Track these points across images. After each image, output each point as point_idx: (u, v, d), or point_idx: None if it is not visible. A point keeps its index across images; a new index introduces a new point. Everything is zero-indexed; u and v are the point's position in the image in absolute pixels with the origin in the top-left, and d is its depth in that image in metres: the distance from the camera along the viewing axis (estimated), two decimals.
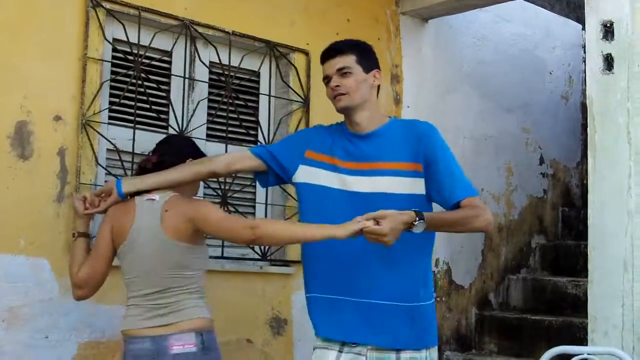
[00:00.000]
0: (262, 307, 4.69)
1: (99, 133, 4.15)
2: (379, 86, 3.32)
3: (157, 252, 3.20)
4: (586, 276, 4.36)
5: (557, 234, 6.93)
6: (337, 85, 3.18)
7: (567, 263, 6.42)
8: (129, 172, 4.23)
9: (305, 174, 3.26)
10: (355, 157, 3.20)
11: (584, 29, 6.09)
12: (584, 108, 6.95)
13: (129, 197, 3.31)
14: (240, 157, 3.41)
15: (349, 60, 3.20)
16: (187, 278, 3.26)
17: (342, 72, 3.19)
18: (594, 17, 4.42)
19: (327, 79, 3.24)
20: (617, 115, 4.26)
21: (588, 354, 3.49)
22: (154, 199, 3.26)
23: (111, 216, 3.32)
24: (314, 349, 3.23)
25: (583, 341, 4.78)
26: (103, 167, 4.18)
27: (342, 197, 3.16)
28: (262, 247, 4.74)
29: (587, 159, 4.42)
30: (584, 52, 6.29)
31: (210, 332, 3.24)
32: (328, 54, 3.25)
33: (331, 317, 3.16)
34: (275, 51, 4.91)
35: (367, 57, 3.28)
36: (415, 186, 3.14)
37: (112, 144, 4.22)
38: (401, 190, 3.13)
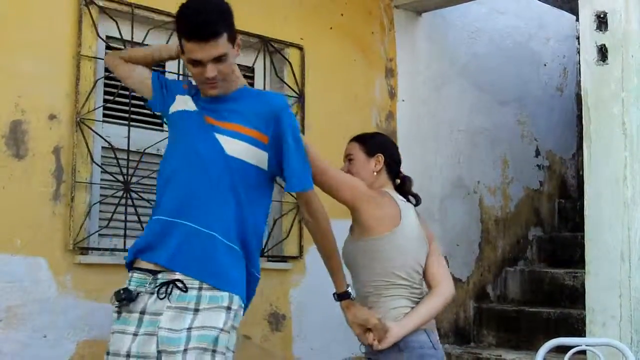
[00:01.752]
0: (260, 303, 4.68)
1: (93, 131, 4.14)
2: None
3: (419, 253, 3.45)
4: (583, 268, 4.36)
5: (553, 225, 6.93)
6: (214, 76, 2.92)
7: (564, 255, 6.43)
8: (124, 170, 4.22)
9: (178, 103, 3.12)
10: (208, 111, 3.03)
11: (577, 20, 6.09)
12: (578, 99, 6.96)
13: None
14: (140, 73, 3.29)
15: (224, 44, 2.89)
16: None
17: (219, 59, 2.90)
18: (588, 8, 4.41)
19: (195, 62, 2.91)
20: (612, 106, 4.26)
21: (586, 345, 3.49)
22: (409, 202, 3.49)
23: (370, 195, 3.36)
24: None
25: (581, 333, 4.79)
26: (98, 165, 4.17)
27: (196, 124, 3.03)
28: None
29: (582, 150, 4.41)
30: (578, 44, 6.28)
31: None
32: (201, 34, 2.85)
33: None
34: (270, 46, 4.90)
35: (232, 27, 2.97)
36: (258, 156, 2.99)
37: (107, 141, 4.21)
38: (244, 157, 2.97)
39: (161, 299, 2.87)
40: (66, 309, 3.94)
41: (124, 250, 4.17)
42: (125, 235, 4.19)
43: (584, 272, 4.34)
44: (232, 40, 2.94)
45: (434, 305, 3.32)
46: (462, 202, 6.03)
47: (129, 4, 4.30)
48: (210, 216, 2.92)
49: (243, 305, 2.97)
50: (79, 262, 3.98)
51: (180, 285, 2.86)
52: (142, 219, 4.27)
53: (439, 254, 3.52)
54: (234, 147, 2.95)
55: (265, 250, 4.77)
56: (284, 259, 4.82)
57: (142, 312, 2.91)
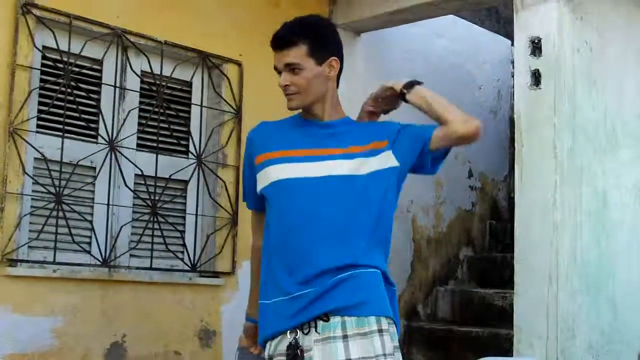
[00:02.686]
0: (191, 318, 4.66)
1: (26, 142, 4.08)
2: (340, 74, 2.96)
3: None
4: (512, 288, 4.42)
5: (484, 246, 7.02)
6: (287, 85, 2.85)
7: (494, 275, 6.51)
8: (56, 182, 4.17)
9: (260, 179, 2.91)
10: (311, 143, 2.89)
11: (513, 44, 6.20)
12: (512, 122, 7.05)
13: None
14: (259, 223, 3.01)
15: (299, 55, 2.81)
16: None
17: (291, 69, 2.83)
18: (523, 33, 4.50)
19: (277, 70, 2.91)
20: (544, 129, 4.34)
21: None
22: None
23: None
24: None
25: (509, 352, 4.84)
26: (30, 177, 4.12)
27: (303, 185, 2.83)
28: (192, 259, 4.71)
29: (514, 172, 4.49)
30: (513, 68, 6.38)
31: None
32: (277, 43, 2.87)
33: None
34: (208, 61, 4.89)
35: (322, 45, 2.86)
36: (374, 164, 2.92)
37: (40, 153, 4.16)
38: (358, 172, 2.87)
39: None
40: None
41: (54, 262, 4.12)
42: (55, 248, 4.13)
43: (513, 293, 4.40)
44: (315, 56, 2.84)
45: None
46: (395, 221, 6.04)
47: (67, 15, 4.26)
48: None
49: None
50: (7, 274, 3.92)
51: None
52: (74, 231, 4.22)
53: None
54: None
55: (198, 265, 4.74)
56: (216, 274, 4.80)
57: None
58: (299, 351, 2.66)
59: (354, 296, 2.71)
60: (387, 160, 2.94)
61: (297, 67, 2.82)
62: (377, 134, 2.98)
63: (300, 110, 2.98)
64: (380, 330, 2.72)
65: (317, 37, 2.86)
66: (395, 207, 3.09)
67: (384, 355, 2.69)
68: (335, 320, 2.67)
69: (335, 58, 2.89)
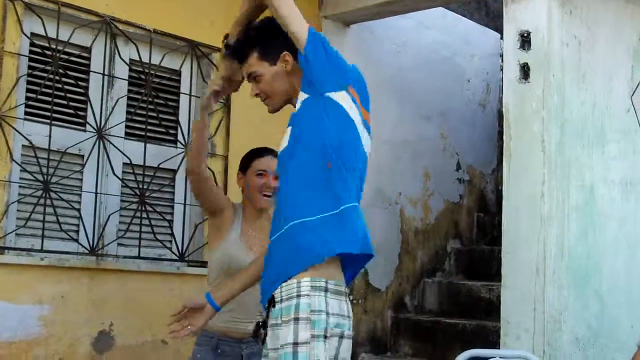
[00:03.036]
0: (179, 308, 4.64)
1: (14, 129, 4.07)
2: (302, 60, 2.79)
3: None
4: (500, 281, 4.43)
5: (472, 239, 7.03)
6: (256, 94, 2.94)
7: (482, 268, 6.52)
8: (44, 169, 4.16)
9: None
10: None
11: (502, 38, 6.20)
12: (500, 116, 7.06)
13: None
14: None
15: (252, 63, 2.90)
16: None
17: (253, 78, 2.92)
18: (512, 27, 4.51)
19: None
20: (532, 123, 4.35)
21: (500, 357, 3.55)
22: None
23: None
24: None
25: (496, 344, 4.86)
26: (18, 164, 4.10)
27: None
28: (180, 248, 4.71)
29: (502, 165, 4.49)
30: (502, 61, 6.40)
31: None
32: (235, 59, 3.01)
33: None
34: (197, 50, 4.88)
35: (269, 45, 2.90)
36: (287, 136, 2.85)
37: (27, 140, 4.14)
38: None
39: None
40: None
41: (42, 250, 4.11)
42: (43, 236, 4.12)
43: (500, 285, 4.41)
44: (266, 58, 2.88)
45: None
46: (383, 212, 6.08)
47: (56, 2, 4.23)
48: None
49: None
50: None
51: None
52: (61, 219, 4.21)
53: None
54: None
55: (186, 255, 4.74)
56: (204, 264, 4.79)
57: None
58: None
59: None
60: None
61: (255, 74, 2.90)
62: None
63: None
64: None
65: (262, 40, 2.91)
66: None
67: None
68: None
69: (287, 52, 2.86)
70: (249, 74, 2.92)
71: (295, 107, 2.85)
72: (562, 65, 4.44)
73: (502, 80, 4.78)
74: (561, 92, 4.41)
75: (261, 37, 2.92)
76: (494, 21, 7.48)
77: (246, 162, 3.67)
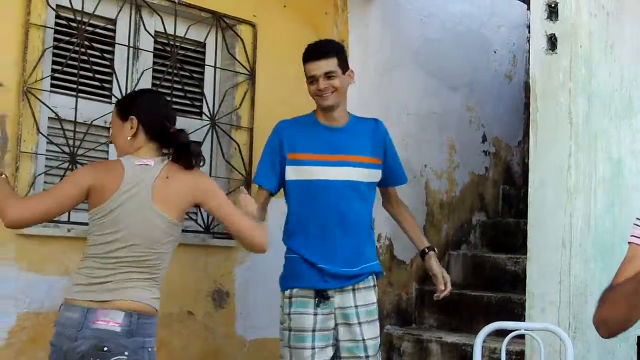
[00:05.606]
0: (204, 279, 4.68)
1: (40, 101, 4.09)
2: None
3: (142, 223, 3.14)
4: (525, 253, 4.41)
5: (497, 211, 7.01)
6: (326, 87, 3.79)
7: (507, 240, 6.50)
8: (70, 141, 4.18)
9: (292, 173, 3.91)
10: (329, 149, 3.87)
11: (528, 8, 6.14)
12: (527, 87, 7.02)
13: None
14: (263, 200, 3.97)
15: (332, 64, 3.80)
16: (158, 257, 3.21)
17: (328, 76, 3.79)
18: None
19: (312, 79, 3.82)
20: (559, 95, 4.31)
21: (525, 329, 3.54)
22: (148, 165, 3.19)
23: (91, 173, 3.18)
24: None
25: (520, 317, 4.85)
26: (44, 136, 4.12)
27: (322, 186, 3.85)
28: (205, 220, 4.72)
29: (528, 137, 4.46)
30: (529, 32, 6.34)
31: (143, 317, 3.12)
32: (313, 55, 3.82)
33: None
34: (222, 22, 4.87)
35: (344, 59, 3.89)
36: (372, 175, 4.00)
37: (53, 112, 4.16)
38: (363, 179, 3.93)
39: None
40: (7, 280, 3.89)
41: (68, 222, 4.14)
42: None
43: (526, 258, 4.40)
44: (341, 67, 3.86)
45: None
46: (408, 185, 6.00)
47: None
48: None
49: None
50: (21, 232, 3.92)
51: None
52: None
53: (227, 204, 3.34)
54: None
55: (211, 227, 4.75)
56: (229, 236, 4.81)
57: None
58: None
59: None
60: (377, 174, 4.07)
61: (333, 74, 3.82)
62: (373, 148, 4.06)
63: (313, 112, 3.99)
64: None
65: (341, 52, 3.92)
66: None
67: None
68: None
69: (352, 71, 3.94)
70: (327, 71, 3.79)
71: (339, 115, 3.97)
72: (589, 36, 4.39)
73: (529, 52, 4.74)
74: (588, 63, 4.36)
75: (341, 51, 3.94)
76: None
77: None
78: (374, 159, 4.00)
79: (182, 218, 3.26)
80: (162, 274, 3.24)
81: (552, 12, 4.38)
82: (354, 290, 3.91)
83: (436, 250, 4.30)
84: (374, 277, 4.04)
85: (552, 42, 4.36)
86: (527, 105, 6.86)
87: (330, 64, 3.81)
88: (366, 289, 3.97)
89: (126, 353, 3.02)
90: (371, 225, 4.13)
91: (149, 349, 3.11)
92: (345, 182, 3.88)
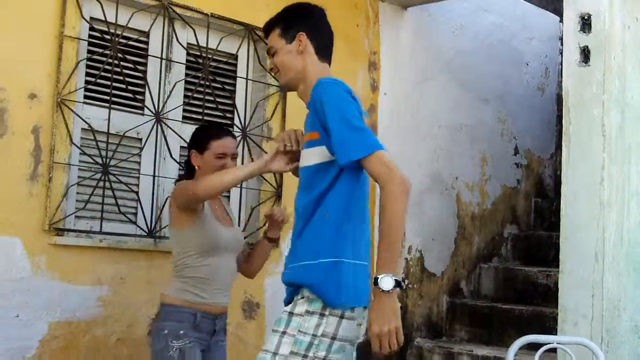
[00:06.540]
0: (235, 290, 4.66)
1: (74, 112, 4.12)
2: (316, 45, 3.07)
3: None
4: (557, 266, 4.39)
5: (529, 224, 6.97)
6: (271, 68, 3.16)
7: (539, 253, 6.47)
8: (103, 152, 4.21)
9: None
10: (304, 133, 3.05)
11: (561, 21, 6.12)
12: (559, 100, 6.99)
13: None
14: None
15: (273, 39, 3.11)
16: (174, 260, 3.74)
17: (271, 53, 3.12)
18: (572, 9, 4.43)
19: None
20: (592, 107, 4.29)
21: (557, 343, 3.52)
22: None
23: None
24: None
25: (552, 331, 4.82)
26: (77, 147, 4.16)
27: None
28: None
29: (561, 150, 4.44)
30: (561, 44, 6.31)
31: (165, 306, 3.65)
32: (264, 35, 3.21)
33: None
34: (254, 34, 4.89)
35: (289, 24, 3.10)
36: (311, 156, 2.93)
37: (87, 123, 4.19)
38: (304, 163, 2.98)
39: None
40: (40, 289, 3.92)
41: (100, 232, 4.17)
42: (102, 218, 4.18)
43: (558, 271, 4.37)
44: (285, 36, 3.09)
45: None
46: (439, 197, 6.05)
47: None
48: None
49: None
50: (54, 243, 3.97)
51: None
52: (120, 202, 4.26)
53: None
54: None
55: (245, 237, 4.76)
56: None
57: None
58: None
59: None
60: (317, 152, 2.93)
61: (273, 49, 3.11)
62: (312, 120, 2.95)
63: None
64: None
65: (286, 19, 3.13)
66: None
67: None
68: None
69: (302, 32, 3.07)
70: (268, 49, 3.13)
71: (302, 94, 3.05)
72: (623, 48, 4.36)
73: (562, 64, 4.72)
74: (622, 75, 4.34)
75: (285, 16, 3.14)
76: (552, 3, 7.38)
77: (203, 142, 3.74)
78: (312, 133, 2.93)
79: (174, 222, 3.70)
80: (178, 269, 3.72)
81: (585, 25, 4.37)
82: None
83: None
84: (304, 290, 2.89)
85: (585, 54, 4.34)
86: (559, 118, 6.83)
87: (271, 39, 3.12)
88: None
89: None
90: (317, 216, 2.90)
91: (163, 332, 3.59)
92: (301, 170, 3.02)
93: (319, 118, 2.85)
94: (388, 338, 2.68)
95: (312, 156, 2.92)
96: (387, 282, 2.66)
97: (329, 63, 3.15)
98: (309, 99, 2.95)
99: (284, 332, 2.83)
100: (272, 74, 3.25)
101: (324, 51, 3.12)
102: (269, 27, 3.14)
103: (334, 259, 2.83)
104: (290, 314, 2.87)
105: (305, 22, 3.11)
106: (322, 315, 2.81)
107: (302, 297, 2.86)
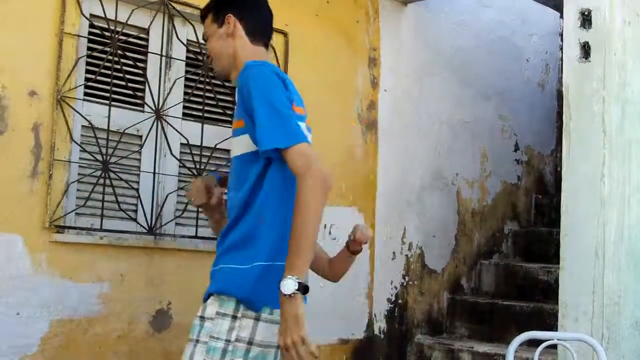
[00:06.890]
0: None
1: (74, 109, 4.12)
2: (247, 27, 2.93)
3: None
4: (558, 263, 4.39)
5: (529, 220, 6.97)
6: (208, 56, 3.04)
7: (539, 250, 6.47)
8: (103, 149, 4.21)
9: None
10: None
11: (561, 17, 6.11)
12: (560, 96, 6.99)
13: None
14: None
15: (206, 25, 2.98)
16: None
17: (205, 40, 3.01)
18: (572, 5, 4.43)
19: None
20: (593, 103, 4.29)
21: (558, 339, 3.52)
22: None
23: None
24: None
25: (553, 327, 4.82)
26: (77, 144, 4.15)
27: None
28: None
29: (561, 146, 4.43)
30: (561, 40, 6.30)
31: None
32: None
33: None
34: None
35: (220, 8, 2.95)
36: (239, 145, 2.76)
37: (87, 120, 4.19)
38: (233, 154, 2.82)
39: None
40: (41, 287, 3.92)
41: (101, 229, 4.16)
42: (102, 215, 4.18)
43: (558, 268, 4.37)
44: (216, 19, 2.96)
45: None
46: (440, 193, 6.05)
47: None
48: None
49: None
50: (55, 240, 3.97)
51: None
52: (120, 199, 4.26)
53: None
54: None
55: None
56: None
57: None
58: None
59: None
60: (244, 142, 2.74)
61: (206, 36, 3.00)
62: (239, 107, 2.76)
63: None
64: None
65: (218, 2, 3.00)
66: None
67: None
68: None
69: (230, 14, 2.92)
70: (202, 34, 3.03)
71: (235, 81, 2.83)
72: (623, 44, 4.36)
73: (562, 60, 4.72)
74: (622, 71, 4.33)
75: (216, 1, 3.01)
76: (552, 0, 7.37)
77: None
78: (238, 122, 2.75)
79: None
80: None
81: (586, 20, 4.36)
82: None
83: None
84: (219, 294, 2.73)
85: (586, 50, 4.34)
86: (559, 114, 6.83)
87: (205, 25, 3.00)
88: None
89: None
90: (248, 212, 2.74)
91: None
92: (232, 160, 2.84)
93: (245, 105, 2.66)
94: (295, 350, 2.44)
95: (238, 145, 2.75)
96: (288, 285, 2.43)
97: (266, 47, 3.00)
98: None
99: (197, 341, 2.64)
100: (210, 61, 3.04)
101: (258, 33, 2.96)
102: (204, 13, 3.02)
103: (263, 263, 2.67)
104: (202, 318, 2.68)
105: (233, 2, 2.96)
106: (234, 317, 2.62)
107: (212, 295, 2.70)
